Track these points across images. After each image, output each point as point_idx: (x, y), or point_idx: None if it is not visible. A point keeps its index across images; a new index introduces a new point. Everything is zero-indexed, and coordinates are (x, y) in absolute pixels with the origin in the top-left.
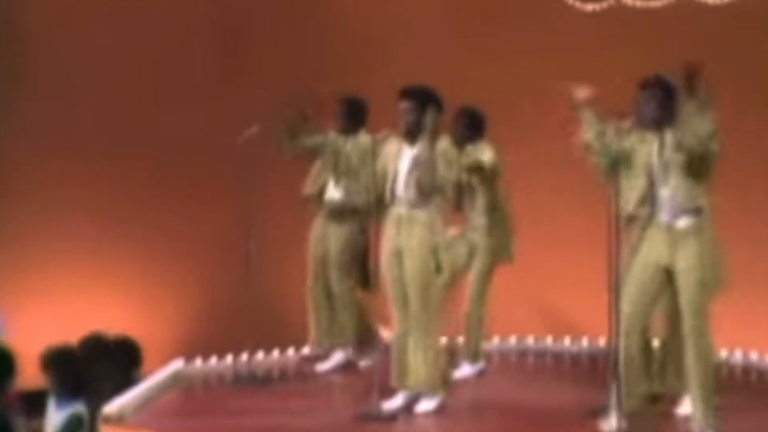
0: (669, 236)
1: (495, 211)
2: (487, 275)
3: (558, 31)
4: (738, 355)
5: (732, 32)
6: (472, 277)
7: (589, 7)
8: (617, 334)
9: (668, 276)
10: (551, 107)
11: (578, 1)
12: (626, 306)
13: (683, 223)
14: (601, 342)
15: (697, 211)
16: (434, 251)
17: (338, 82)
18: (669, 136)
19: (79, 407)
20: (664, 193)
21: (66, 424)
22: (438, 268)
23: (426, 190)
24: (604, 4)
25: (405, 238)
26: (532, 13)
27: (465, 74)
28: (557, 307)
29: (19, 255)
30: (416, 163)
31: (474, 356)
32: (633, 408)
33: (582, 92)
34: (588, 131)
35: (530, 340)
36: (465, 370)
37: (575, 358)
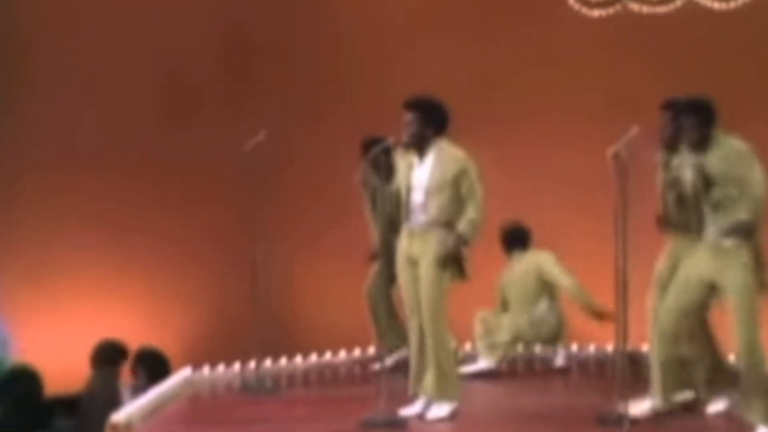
0: (714, 255)
1: None
2: None
3: (565, 37)
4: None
5: (738, 37)
6: None
7: (596, 13)
8: (624, 341)
9: (711, 289)
10: (557, 115)
11: (585, 7)
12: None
13: (729, 242)
14: (609, 348)
15: (737, 228)
16: (452, 258)
17: (344, 94)
18: (709, 157)
19: None
20: (706, 211)
21: None
22: (462, 274)
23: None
24: (611, 10)
25: (419, 248)
26: (539, 19)
27: (471, 82)
28: (565, 314)
29: (26, 266)
30: (435, 189)
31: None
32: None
33: None
34: None
35: (537, 347)
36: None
37: (583, 365)
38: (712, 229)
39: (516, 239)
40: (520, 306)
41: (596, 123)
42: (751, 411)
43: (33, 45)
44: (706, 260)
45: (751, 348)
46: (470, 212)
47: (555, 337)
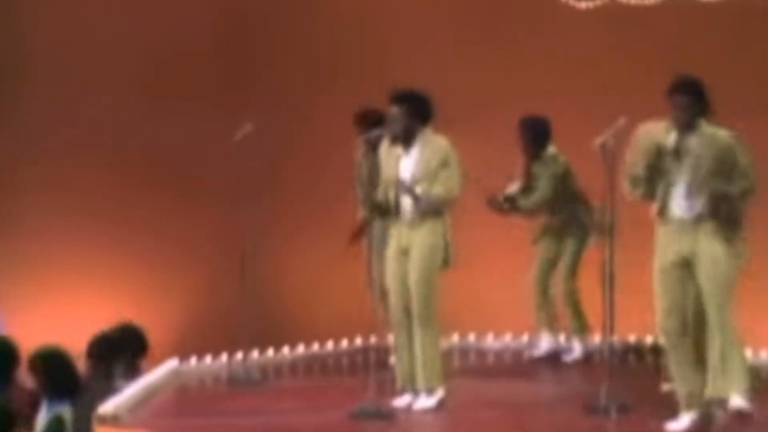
0: (684, 231)
1: None
2: None
3: (552, 29)
4: None
5: (725, 29)
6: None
7: (583, 4)
8: (611, 331)
9: (690, 267)
10: (547, 107)
11: None
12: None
13: (699, 220)
14: (596, 339)
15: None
16: (443, 246)
17: (339, 86)
18: (692, 139)
19: (62, 409)
20: (681, 191)
21: (47, 425)
22: (446, 262)
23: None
24: (598, 2)
25: (409, 239)
26: (526, 11)
27: (456, 73)
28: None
29: (17, 256)
30: (421, 179)
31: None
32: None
33: None
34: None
35: (525, 337)
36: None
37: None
38: (686, 207)
39: (547, 132)
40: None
41: (585, 115)
42: (726, 381)
43: (35, 47)
44: (678, 238)
45: (723, 320)
46: (437, 187)
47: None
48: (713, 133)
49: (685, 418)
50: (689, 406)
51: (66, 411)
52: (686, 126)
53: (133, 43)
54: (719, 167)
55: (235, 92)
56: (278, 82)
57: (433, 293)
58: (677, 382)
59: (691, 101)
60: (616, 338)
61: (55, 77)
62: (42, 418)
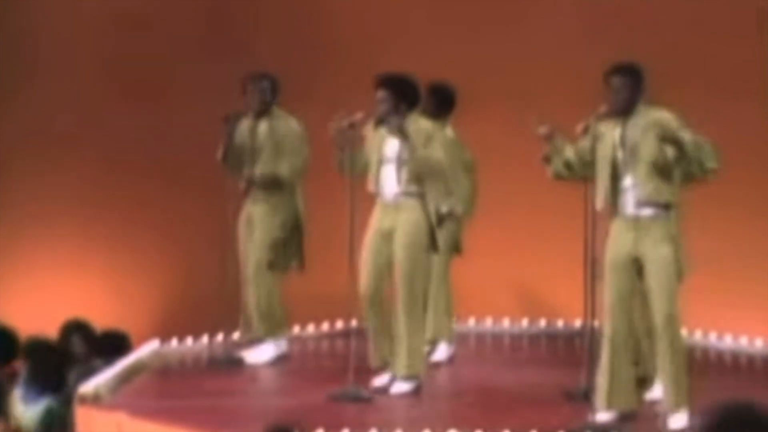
0: (634, 228)
1: None
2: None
3: (536, 12)
4: (728, 340)
5: (699, 18)
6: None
7: None
8: (593, 316)
9: (638, 267)
10: (520, 92)
11: None
12: (608, 302)
13: (648, 213)
14: (577, 324)
15: (664, 205)
16: (428, 231)
17: (321, 75)
18: (632, 125)
19: (53, 402)
20: (628, 182)
21: (42, 418)
22: (435, 247)
23: (422, 178)
24: None
25: (392, 220)
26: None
27: (442, 57)
28: (533, 289)
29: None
30: (406, 160)
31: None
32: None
33: (542, 129)
34: (552, 160)
35: (506, 322)
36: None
37: (551, 340)
38: (631, 200)
39: None
40: None
41: (571, 100)
42: (671, 394)
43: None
44: (627, 235)
45: (671, 323)
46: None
47: None
48: (652, 115)
49: (604, 415)
50: (609, 407)
51: (55, 404)
52: (621, 111)
53: (114, 33)
54: (661, 149)
55: (219, 80)
56: (262, 69)
57: (418, 276)
58: (607, 375)
59: (628, 82)
60: (596, 324)
61: (50, 73)
62: (27, 408)
